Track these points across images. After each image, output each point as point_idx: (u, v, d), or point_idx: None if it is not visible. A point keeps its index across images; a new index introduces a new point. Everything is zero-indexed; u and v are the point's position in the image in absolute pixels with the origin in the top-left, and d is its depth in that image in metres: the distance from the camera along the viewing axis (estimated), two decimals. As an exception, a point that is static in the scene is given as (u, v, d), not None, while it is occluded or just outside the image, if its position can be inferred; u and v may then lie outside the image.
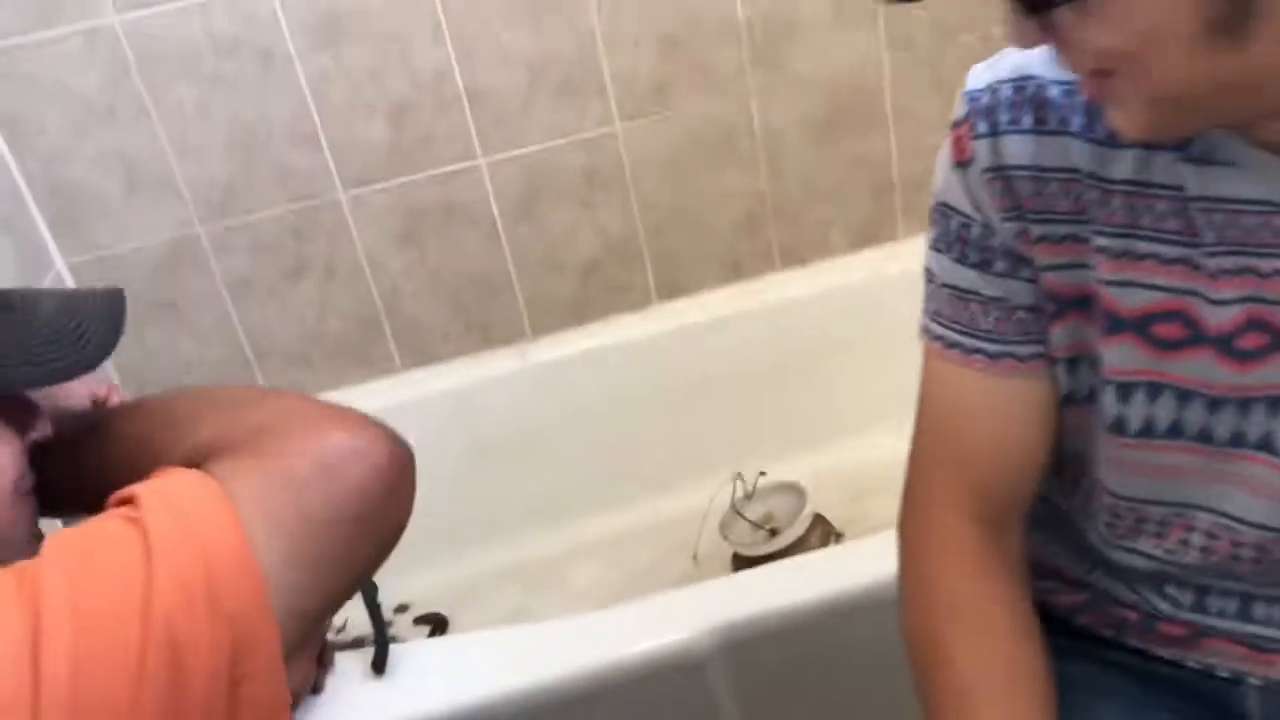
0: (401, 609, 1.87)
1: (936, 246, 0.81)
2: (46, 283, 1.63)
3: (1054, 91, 0.72)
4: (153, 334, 1.78)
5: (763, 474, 1.76)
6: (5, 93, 1.58)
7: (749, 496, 1.75)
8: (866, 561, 1.27)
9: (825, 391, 1.96)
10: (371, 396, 1.85)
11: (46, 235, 1.67)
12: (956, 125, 0.77)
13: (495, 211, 1.80)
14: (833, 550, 1.54)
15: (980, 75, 0.76)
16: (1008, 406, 0.81)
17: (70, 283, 1.70)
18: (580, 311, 1.90)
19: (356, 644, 1.51)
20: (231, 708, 0.58)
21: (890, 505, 1.88)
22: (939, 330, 0.83)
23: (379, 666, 1.25)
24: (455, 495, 1.88)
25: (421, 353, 1.89)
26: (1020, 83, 0.73)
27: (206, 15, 1.59)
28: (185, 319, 1.79)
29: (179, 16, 1.58)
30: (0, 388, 0.68)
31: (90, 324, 0.72)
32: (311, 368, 1.86)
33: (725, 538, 1.72)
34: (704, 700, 1.28)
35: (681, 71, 1.75)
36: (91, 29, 1.57)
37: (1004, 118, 0.74)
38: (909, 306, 1.94)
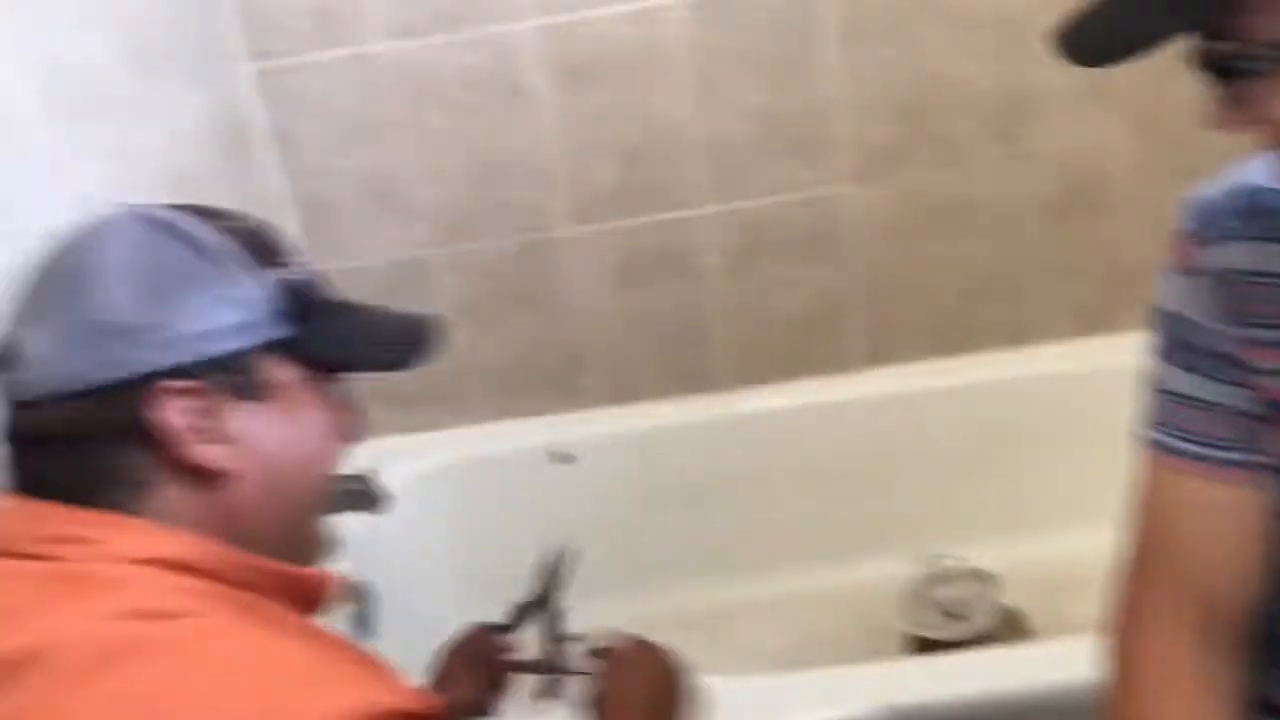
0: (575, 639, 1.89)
1: (1158, 352, 0.82)
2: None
3: (1274, 200, 0.74)
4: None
5: (954, 558, 1.70)
6: (281, 109, 1.70)
7: (936, 578, 1.70)
8: (1057, 662, 1.21)
9: (1028, 478, 1.89)
10: (567, 428, 1.89)
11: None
12: (1179, 233, 0.79)
13: (712, 261, 1.82)
14: (1021, 646, 1.47)
15: (1203, 186, 0.78)
16: (1230, 516, 0.78)
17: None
18: (784, 368, 1.90)
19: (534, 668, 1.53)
20: None
21: (1087, 606, 1.78)
22: (1159, 436, 0.81)
23: (550, 694, 1.26)
24: (633, 534, 1.90)
25: (620, 391, 1.92)
26: (1241, 191, 0.75)
27: (465, 49, 1.67)
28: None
29: (439, 49, 1.67)
30: (353, 368, 0.73)
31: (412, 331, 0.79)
32: (513, 393, 1.91)
33: (906, 617, 1.67)
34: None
35: (916, 139, 1.74)
36: (360, 54, 1.67)
37: (1225, 225, 0.76)
38: (1126, 401, 1.88)
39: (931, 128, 1.73)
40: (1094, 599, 1.79)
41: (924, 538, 1.91)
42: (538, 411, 1.92)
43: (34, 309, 0.65)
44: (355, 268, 1.80)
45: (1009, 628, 1.60)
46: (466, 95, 1.70)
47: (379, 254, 1.80)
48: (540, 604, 1.34)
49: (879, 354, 1.89)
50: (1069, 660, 1.21)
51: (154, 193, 1.32)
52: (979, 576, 1.67)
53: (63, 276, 0.65)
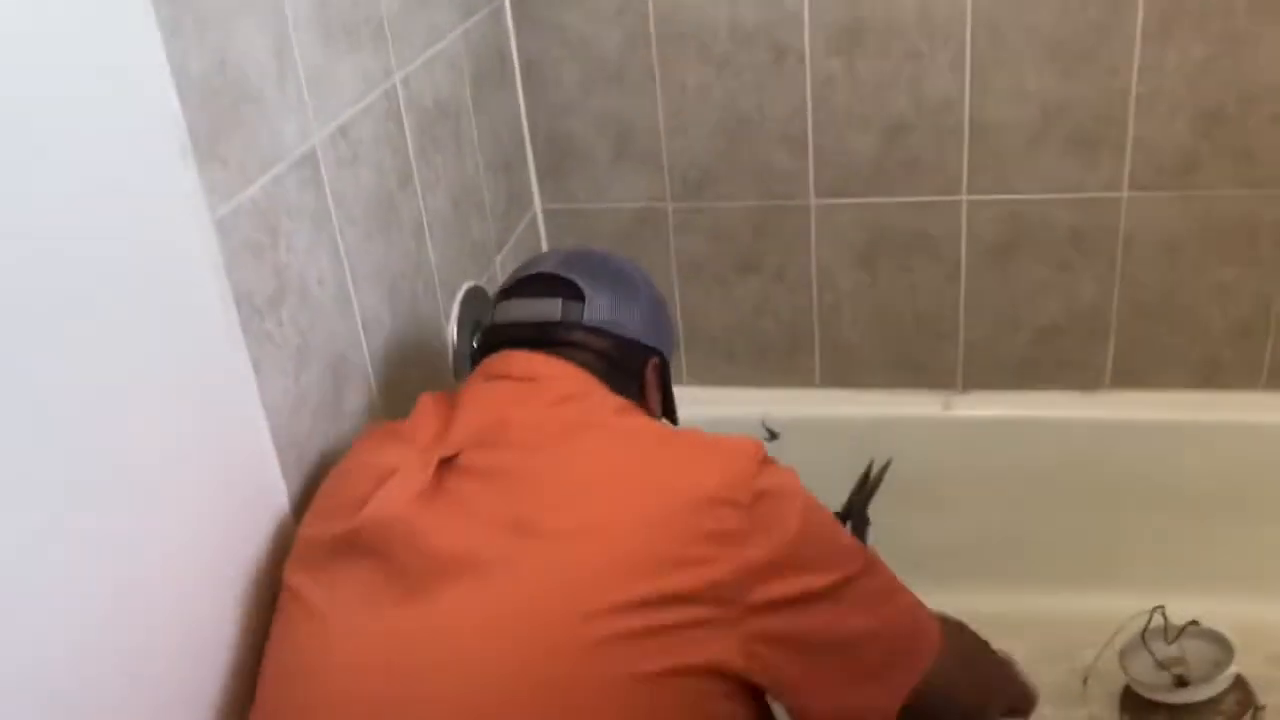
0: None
1: None
2: (523, 225, 1.71)
3: None
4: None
5: (1193, 623, 1.55)
6: (533, 38, 1.66)
7: (1165, 634, 1.55)
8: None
9: (1271, 534, 1.71)
10: (782, 404, 1.81)
11: (533, 179, 1.75)
12: None
13: (964, 252, 1.70)
14: None
15: None
16: None
17: (543, 227, 1.78)
18: (1022, 376, 1.77)
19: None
20: None
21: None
22: None
23: None
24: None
25: (843, 375, 1.83)
26: None
27: (735, 3, 1.59)
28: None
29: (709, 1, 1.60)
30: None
31: None
32: (733, 360, 1.85)
33: (1124, 668, 1.54)
34: None
35: (1216, 150, 1.56)
36: (628, -3, 1.61)
37: None
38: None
39: (1235, 140, 1.55)
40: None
41: (1150, 580, 1.76)
42: (754, 382, 1.85)
43: (599, 279, 1.10)
44: (591, 210, 1.76)
45: (1239, 701, 1.45)
46: (730, 50, 1.61)
47: (616, 200, 1.75)
48: (846, 515, 1.48)
49: (1128, 376, 1.74)
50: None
51: (409, 114, 1.30)
52: (1213, 639, 1.52)
53: (608, 268, 1.12)
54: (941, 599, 1.84)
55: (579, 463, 0.88)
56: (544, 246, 1.80)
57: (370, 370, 1.19)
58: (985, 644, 1.09)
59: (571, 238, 1.78)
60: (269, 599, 0.96)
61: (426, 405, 1.01)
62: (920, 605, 0.95)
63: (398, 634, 0.82)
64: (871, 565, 0.91)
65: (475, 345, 1.24)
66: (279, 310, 1.01)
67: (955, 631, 1.01)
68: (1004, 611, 1.81)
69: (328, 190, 1.10)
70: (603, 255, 1.16)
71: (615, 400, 1.00)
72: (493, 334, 1.10)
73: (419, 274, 1.33)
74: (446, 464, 0.90)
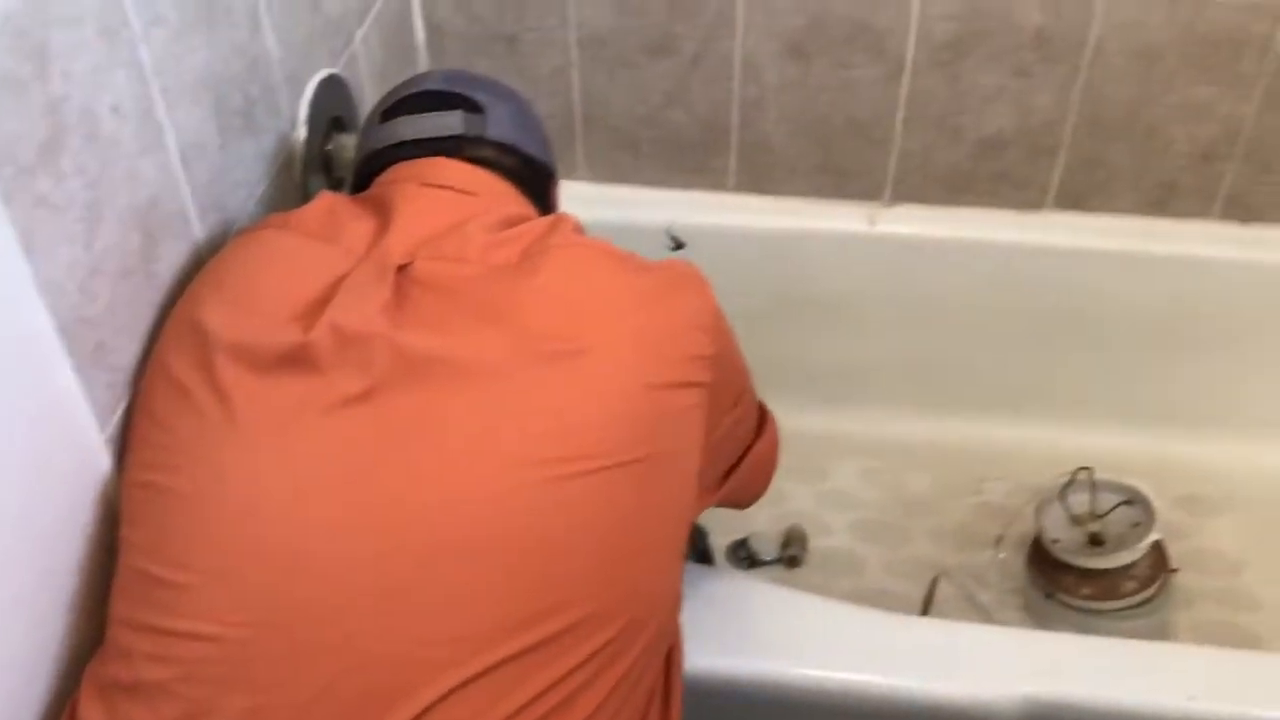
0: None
1: None
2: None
3: None
4: (482, 65, 1.55)
5: (1095, 473, 1.45)
6: None
7: (1085, 488, 1.46)
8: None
9: (1205, 372, 1.62)
10: (693, 209, 1.60)
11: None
12: None
13: (910, 49, 1.46)
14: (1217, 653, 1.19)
15: None
16: None
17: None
18: (956, 191, 1.58)
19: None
20: None
21: (1234, 530, 1.59)
22: None
23: None
24: (742, 338, 1.65)
25: (761, 180, 1.61)
26: None
27: None
28: (522, 59, 1.55)
29: None
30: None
31: None
32: (637, 155, 1.61)
33: (1039, 524, 1.45)
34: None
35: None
36: None
37: None
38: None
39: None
40: (1241, 522, 1.60)
41: (1066, 414, 1.67)
42: (660, 182, 1.62)
43: (491, 93, 1.00)
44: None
45: (1155, 565, 1.38)
46: None
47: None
48: None
49: (1073, 198, 1.56)
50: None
51: None
52: (1131, 498, 1.43)
53: (496, 84, 1.04)
54: (851, 423, 1.75)
55: (556, 285, 0.81)
56: (415, 17, 1.49)
57: (194, 215, 0.93)
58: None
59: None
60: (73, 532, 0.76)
61: (336, 205, 0.90)
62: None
63: (377, 459, 0.74)
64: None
65: (356, 172, 1.03)
66: (56, 161, 0.74)
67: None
68: (914, 440, 1.71)
69: (120, -18, 0.80)
70: (484, 75, 1.07)
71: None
72: (382, 158, 0.96)
73: (255, 74, 1.04)
74: (401, 272, 0.81)
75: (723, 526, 1.58)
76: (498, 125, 0.98)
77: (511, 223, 0.88)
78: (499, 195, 0.94)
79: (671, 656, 0.85)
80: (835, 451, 1.70)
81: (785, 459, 1.68)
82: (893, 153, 1.55)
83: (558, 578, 0.72)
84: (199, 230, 0.94)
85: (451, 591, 0.70)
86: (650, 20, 1.48)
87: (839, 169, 1.58)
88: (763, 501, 1.62)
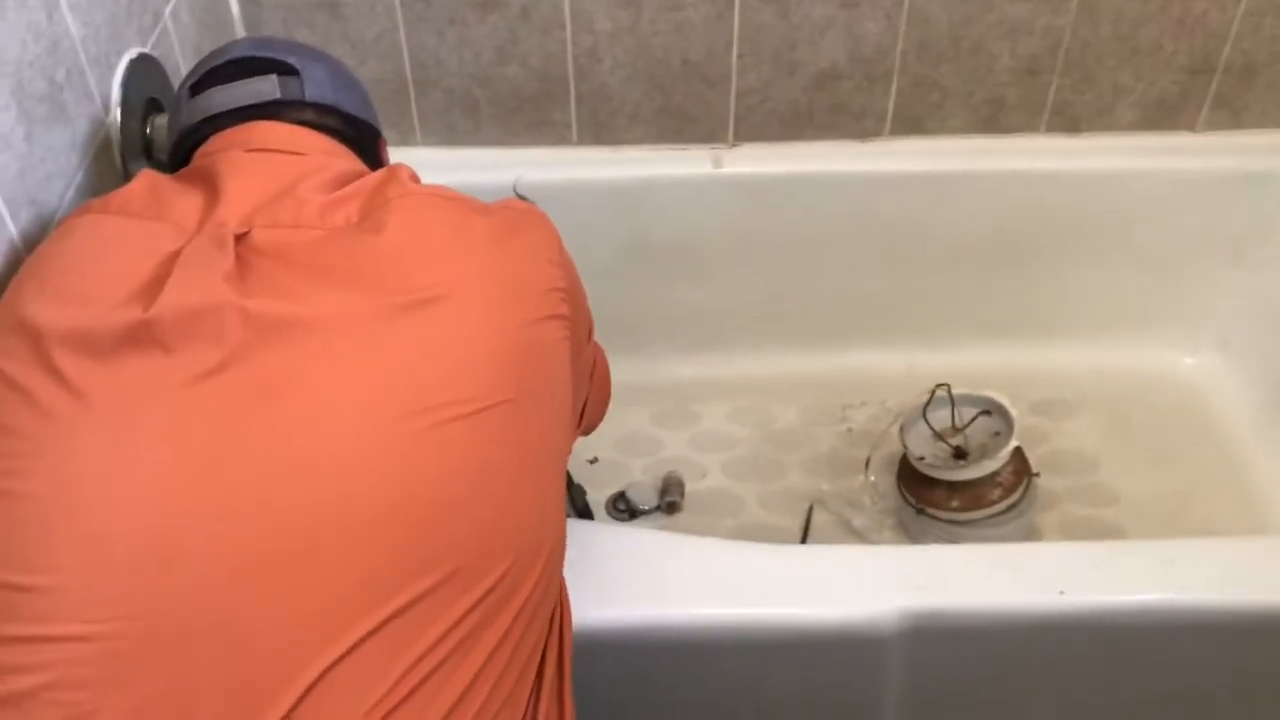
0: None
1: None
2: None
3: None
4: (303, 35, 1.49)
5: (980, 397, 1.49)
6: None
7: (951, 412, 1.49)
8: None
9: (1049, 282, 1.68)
10: (538, 166, 1.58)
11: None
12: None
13: (738, -13, 1.46)
14: (1079, 547, 1.18)
15: None
16: None
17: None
18: (798, 126, 1.59)
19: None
20: None
21: (1089, 430, 1.65)
22: None
23: None
24: (600, 294, 1.63)
25: (603, 130, 1.59)
26: None
27: None
28: (345, 25, 1.50)
29: None
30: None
31: None
32: (475, 115, 1.58)
33: (904, 443, 1.48)
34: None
35: None
36: None
37: None
38: (1182, 211, 1.65)
39: None
40: (1094, 424, 1.66)
41: (922, 331, 1.71)
42: (501, 141, 1.59)
43: (303, 55, 0.97)
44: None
45: (1017, 471, 1.43)
46: None
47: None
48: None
49: (910, 124, 1.59)
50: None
51: None
52: (989, 408, 1.48)
53: (307, 46, 1.01)
54: (715, 366, 1.76)
55: (402, 236, 0.80)
56: (229, -14, 1.43)
57: (4, 212, 0.88)
58: None
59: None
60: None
61: (157, 182, 0.86)
62: None
63: (237, 435, 0.71)
64: None
65: (171, 151, 0.97)
66: None
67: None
68: (778, 375, 1.73)
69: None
70: (291, 39, 1.07)
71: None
72: (198, 132, 0.92)
73: (57, 57, 0.98)
74: (240, 241, 0.79)
75: (599, 481, 1.58)
76: (316, 86, 0.95)
77: (345, 180, 0.85)
78: (328, 153, 0.91)
79: (560, 614, 0.85)
80: (702, 395, 1.71)
81: (655, 406, 1.72)
82: (731, 92, 1.56)
83: (437, 527, 0.70)
84: (12, 228, 0.89)
85: (331, 556, 0.68)
86: (474, -25, 1.45)
87: (680, 113, 1.58)
88: (638, 452, 1.66)
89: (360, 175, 0.87)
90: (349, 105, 0.98)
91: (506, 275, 0.80)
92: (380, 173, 0.86)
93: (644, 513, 1.57)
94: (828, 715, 1.12)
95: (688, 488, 1.59)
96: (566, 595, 0.87)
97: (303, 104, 0.94)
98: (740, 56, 1.52)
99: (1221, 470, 1.59)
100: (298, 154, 0.89)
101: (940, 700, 1.12)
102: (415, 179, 0.88)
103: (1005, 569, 1.05)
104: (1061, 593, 1.02)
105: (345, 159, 0.93)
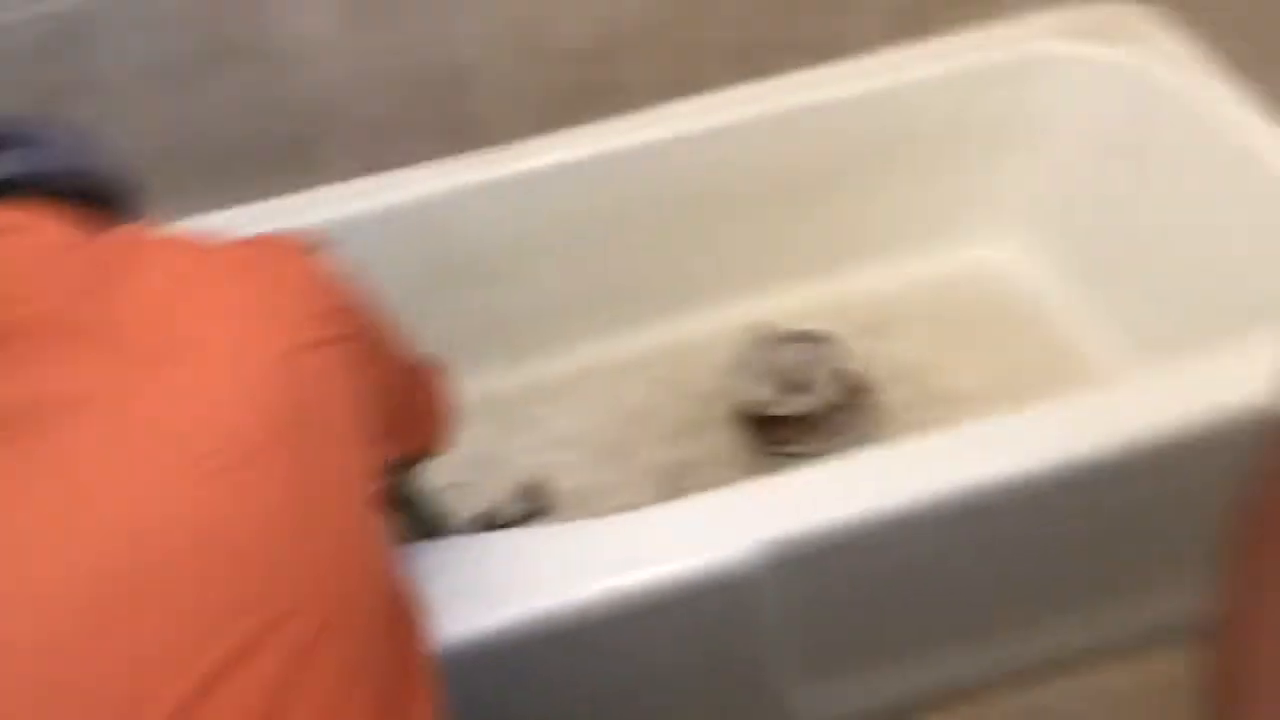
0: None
1: None
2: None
3: None
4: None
5: (782, 330, 1.50)
6: None
7: (767, 344, 1.50)
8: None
9: (851, 212, 1.70)
10: (313, 208, 1.53)
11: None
12: None
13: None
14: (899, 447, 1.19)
15: None
16: None
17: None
18: (570, 112, 1.58)
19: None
20: None
21: (914, 342, 1.67)
22: None
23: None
24: (414, 319, 1.60)
25: (371, 158, 1.55)
26: None
27: None
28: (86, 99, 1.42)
29: None
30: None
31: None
32: (232, 174, 1.51)
33: (733, 390, 1.48)
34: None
35: None
36: None
37: None
38: (947, 112, 1.69)
39: None
40: (922, 333, 1.69)
41: (742, 285, 1.72)
42: (269, 193, 1.54)
43: (29, 125, 0.90)
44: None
45: (854, 393, 1.45)
46: None
47: (23, 6, 1.32)
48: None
49: (673, 87, 1.59)
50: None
51: None
52: (814, 339, 1.49)
53: (37, 118, 0.92)
54: (545, 366, 1.73)
55: (145, 288, 0.75)
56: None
57: None
58: None
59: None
60: None
61: None
62: None
63: None
64: None
65: None
66: None
67: None
68: (612, 359, 1.72)
69: None
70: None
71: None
72: None
73: None
74: None
75: (462, 507, 1.54)
76: (56, 155, 0.89)
77: (77, 245, 0.80)
78: (48, 217, 0.84)
79: (408, 637, 0.80)
80: (540, 397, 1.69)
81: (500, 418, 1.68)
82: (487, 91, 1.53)
83: (230, 586, 0.65)
84: None
85: (120, 632, 0.62)
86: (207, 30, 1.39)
87: (445, 124, 1.55)
88: (494, 467, 1.61)
89: (87, 235, 0.82)
90: (95, 168, 0.92)
91: (265, 306, 0.75)
92: (116, 232, 0.82)
93: (514, 525, 1.53)
94: (714, 678, 1.10)
95: (553, 488, 1.56)
96: (419, 619, 0.82)
97: (43, 175, 0.87)
98: (485, 51, 1.50)
99: (1047, 348, 1.64)
100: (10, 231, 0.81)
101: (821, 632, 1.11)
102: (152, 228, 0.83)
103: (852, 479, 1.05)
104: (915, 499, 1.03)
105: (66, 220, 0.86)
